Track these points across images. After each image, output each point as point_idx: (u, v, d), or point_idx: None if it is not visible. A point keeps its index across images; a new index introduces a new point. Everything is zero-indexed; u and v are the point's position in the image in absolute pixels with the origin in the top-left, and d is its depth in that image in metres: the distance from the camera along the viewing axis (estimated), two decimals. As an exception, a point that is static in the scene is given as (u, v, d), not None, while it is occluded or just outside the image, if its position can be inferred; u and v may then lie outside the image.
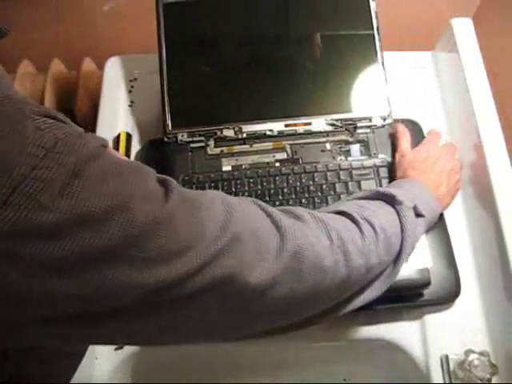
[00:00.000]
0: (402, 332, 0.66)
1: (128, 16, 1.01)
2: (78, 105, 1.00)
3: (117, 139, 0.77)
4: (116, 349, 0.65)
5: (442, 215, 0.71)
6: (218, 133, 0.73)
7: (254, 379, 0.84)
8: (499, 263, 0.65)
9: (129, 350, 0.65)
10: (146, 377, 0.75)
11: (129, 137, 0.78)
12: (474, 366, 0.61)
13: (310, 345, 0.71)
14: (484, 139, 0.71)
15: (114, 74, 0.84)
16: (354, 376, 0.84)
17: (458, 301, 0.67)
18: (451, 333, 0.66)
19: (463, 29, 0.79)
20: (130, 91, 0.83)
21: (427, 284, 0.64)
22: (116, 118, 0.80)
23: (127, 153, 0.76)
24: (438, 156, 0.68)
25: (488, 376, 0.61)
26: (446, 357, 0.64)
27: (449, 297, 0.66)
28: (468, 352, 0.63)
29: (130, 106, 0.82)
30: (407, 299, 0.66)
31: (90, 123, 1.00)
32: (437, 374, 0.64)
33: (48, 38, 1.07)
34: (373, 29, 0.74)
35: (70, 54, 1.06)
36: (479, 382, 0.61)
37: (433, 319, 0.67)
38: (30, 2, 0.98)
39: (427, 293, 0.66)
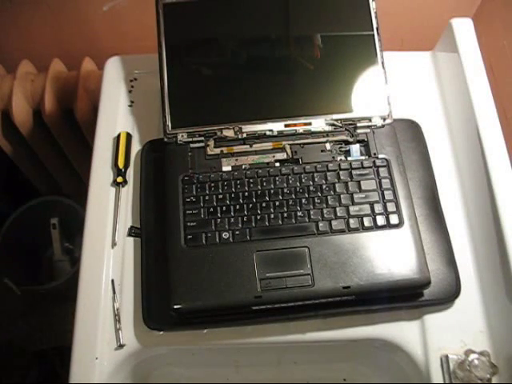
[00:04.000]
0: (402, 332, 0.66)
1: (128, 16, 1.02)
2: (77, 105, 1.00)
3: (117, 139, 0.77)
4: (116, 348, 0.65)
5: (442, 215, 0.71)
6: (218, 133, 0.73)
7: (255, 379, 0.84)
8: (499, 263, 0.65)
9: (129, 350, 0.65)
10: (146, 377, 0.75)
11: (129, 137, 0.78)
12: (473, 366, 0.61)
13: (310, 345, 0.71)
14: (484, 139, 0.71)
15: (113, 74, 0.84)
16: (354, 376, 0.84)
17: (458, 301, 0.67)
18: (451, 333, 0.66)
19: (463, 29, 0.79)
20: (129, 91, 0.83)
21: (427, 284, 0.64)
22: (116, 118, 0.80)
23: (127, 153, 0.76)
24: None
25: (488, 376, 0.61)
26: (446, 357, 0.64)
27: (449, 297, 0.66)
28: (468, 352, 0.63)
29: (129, 106, 0.82)
30: (407, 299, 0.66)
31: (90, 123, 1.00)
32: (437, 374, 0.64)
33: (48, 38, 1.07)
34: (373, 29, 0.74)
35: (69, 53, 1.06)
36: (479, 381, 0.61)
37: (433, 319, 0.67)
38: (30, 2, 0.98)
39: (427, 293, 0.66)
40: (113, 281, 0.69)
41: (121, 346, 0.65)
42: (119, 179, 0.74)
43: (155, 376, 0.78)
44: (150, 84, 0.80)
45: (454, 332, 0.66)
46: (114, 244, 0.71)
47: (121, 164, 0.75)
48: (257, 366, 0.83)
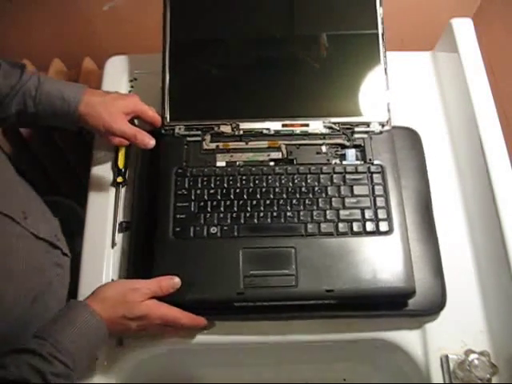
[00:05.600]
0: (402, 332, 0.66)
1: (128, 16, 1.01)
2: (77, 105, 1.00)
3: (117, 139, 0.77)
4: (116, 348, 0.65)
5: (433, 225, 0.70)
6: (216, 128, 0.73)
7: (255, 378, 0.84)
8: (500, 263, 0.65)
9: (129, 349, 0.65)
10: (146, 377, 0.75)
11: (129, 137, 0.78)
12: (474, 366, 0.61)
13: (310, 345, 0.71)
14: (484, 139, 0.71)
15: (113, 74, 0.84)
16: (354, 376, 0.84)
17: (458, 301, 0.67)
18: (451, 333, 0.66)
19: (463, 29, 0.79)
20: (129, 91, 0.83)
21: (412, 293, 0.63)
22: (116, 117, 0.80)
23: (127, 153, 0.76)
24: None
25: (488, 376, 0.61)
26: (446, 357, 0.64)
27: (433, 308, 0.66)
28: (468, 352, 0.63)
29: (130, 105, 0.81)
30: (391, 307, 0.65)
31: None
32: (437, 374, 0.64)
33: (48, 38, 1.07)
34: (378, 34, 0.73)
35: (69, 53, 1.06)
36: (479, 381, 0.61)
37: (433, 319, 0.66)
38: (30, 1, 0.98)
39: (412, 302, 0.65)
40: (113, 281, 0.69)
41: (121, 346, 0.65)
42: (119, 179, 0.74)
43: (155, 376, 0.78)
44: (150, 84, 0.80)
45: (454, 332, 0.66)
46: (113, 244, 0.71)
47: (121, 164, 0.75)
48: (257, 366, 0.83)
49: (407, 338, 0.66)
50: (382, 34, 0.74)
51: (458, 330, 0.66)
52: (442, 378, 0.63)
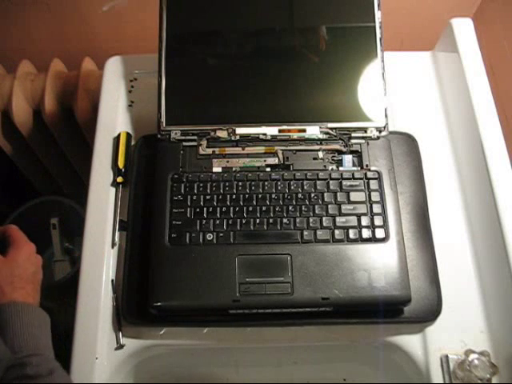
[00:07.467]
0: (402, 332, 0.66)
1: (128, 16, 1.02)
2: (77, 105, 1.00)
3: (117, 139, 0.77)
4: (116, 348, 0.65)
5: (430, 232, 0.70)
6: (212, 133, 0.73)
7: (255, 378, 0.84)
8: (500, 263, 0.65)
9: (129, 350, 0.65)
10: (146, 377, 0.75)
11: (129, 137, 0.78)
12: (473, 366, 0.61)
13: (310, 344, 0.71)
14: (484, 139, 0.71)
15: (113, 74, 0.84)
16: (354, 376, 0.84)
17: (458, 301, 0.67)
18: (451, 333, 0.66)
19: (463, 29, 0.79)
20: (129, 91, 0.83)
21: (407, 301, 0.63)
22: (116, 117, 0.80)
23: (127, 153, 0.76)
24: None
25: (488, 376, 0.61)
26: (446, 357, 0.64)
27: (428, 316, 0.65)
28: (468, 352, 0.63)
29: (129, 105, 0.81)
30: (386, 315, 0.65)
31: (90, 123, 1.00)
32: (437, 374, 0.64)
33: (48, 38, 1.07)
34: (376, 39, 0.73)
35: (69, 54, 1.06)
36: (479, 382, 0.61)
37: (430, 324, 0.66)
38: (30, 2, 0.98)
39: (407, 310, 0.65)
40: (113, 281, 0.69)
41: (121, 346, 0.65)
42: (119, 179, 0.74)
43: (155, 376, 0.78)
44: (149, 84, 0.80)
45: (454, 332, 0.66)
46: (113, 244, 0.71)
47: (121, 164, 0.75)
48: (257, 366, 0.83)
49: (407, 338, 0.66)
50: (380, 39, 0.73)
51: (457, 330, 0.66)
52: (442, 378, 0.63)
